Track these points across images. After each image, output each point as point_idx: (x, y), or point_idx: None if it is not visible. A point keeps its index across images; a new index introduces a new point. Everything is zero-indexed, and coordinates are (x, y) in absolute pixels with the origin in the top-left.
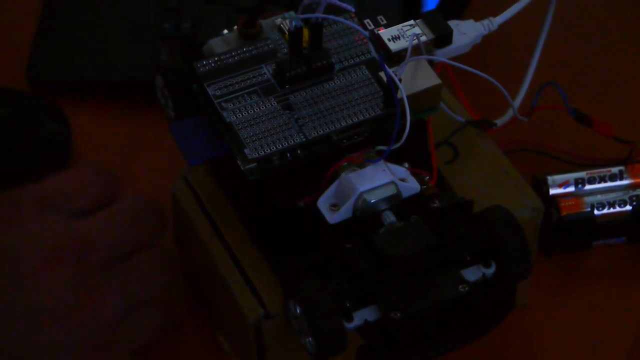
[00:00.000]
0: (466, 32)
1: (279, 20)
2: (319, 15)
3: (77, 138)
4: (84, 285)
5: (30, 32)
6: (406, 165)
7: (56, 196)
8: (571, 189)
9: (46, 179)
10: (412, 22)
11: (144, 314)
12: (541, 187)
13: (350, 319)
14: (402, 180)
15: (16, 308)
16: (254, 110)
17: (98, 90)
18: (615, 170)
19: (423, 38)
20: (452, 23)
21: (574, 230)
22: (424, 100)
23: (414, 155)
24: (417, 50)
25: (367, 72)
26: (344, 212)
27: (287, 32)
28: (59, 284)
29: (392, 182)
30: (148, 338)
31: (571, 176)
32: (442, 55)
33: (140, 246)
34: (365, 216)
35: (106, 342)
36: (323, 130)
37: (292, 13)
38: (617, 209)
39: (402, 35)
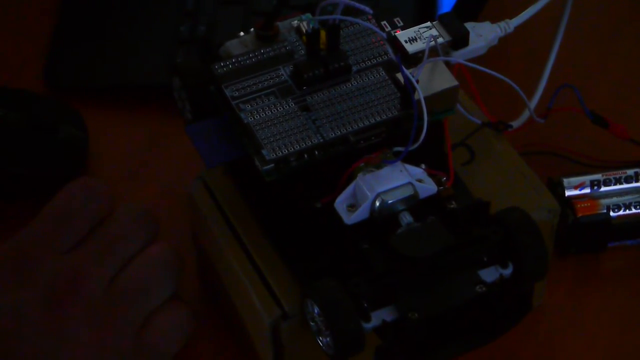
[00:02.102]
0: (482, 34)
1: (295, 22)
2: (337, 17)
3: (94, 141)
4: (94, 315)
5: (47, 35)
6: (423, 166)
7: (39, 238)
8: (587, 190)
9: (28, 225)
10: (428, 24)
11: (165, 319)
12: (557, 189)
13: (368, 319)
14: (419, 181)
15: None
16: (271, 112)
17: (115, 93)
18: (630, 172)
19: (440, 40)
20: (469, 25)
21: (589, 232)
22: (441, 102)
23: (430, 157)
24: (434, 52)
25: (384, 73)
26: (361, 212)
27: (304, 34)
28: (70, 327)
29: (410, 183)
30: (179, 340)
31: (587, 178)
32: (458, 57)
33: (139, 250)
34: (383, 217)
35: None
36: (340, 132)
37: (309, 15)
38: (633, 210)
39: (419, 37)
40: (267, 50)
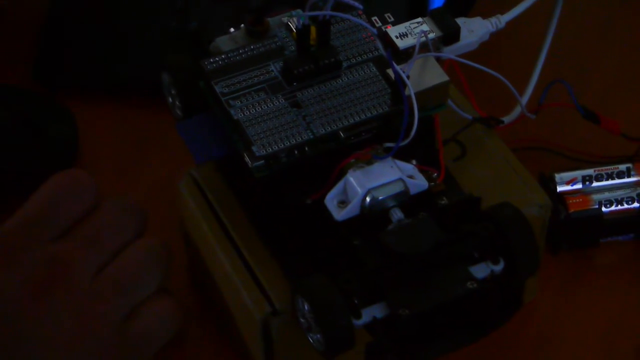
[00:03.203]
0: (474, 29)
1: (286, 18)
2: (327, 12)
3: (84, 139)
4: (77, 305)
5: (37, 32)
6: (414, 162)
7: (25, 228)
8: (579, 186)
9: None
10: (419, 19)
11: (151, 311)
12: (549, 185)
13: (358, 315)
14: (410, 177)
15: (19, 346)
16: (261, 108)
17: (105, 90)
18: (622, 167)
19: (431, 35)
20: (460, 20)
21: (581, 228)
22: (431, 98)
23: (421, 153)
24: (424, 47)
25: (374, 69)
26: (352, 209)
27: (294, 30)
28: (52, 312)
29: (400, 179)
30: (165, 333)
31: (579, 173)
32: (449, 52)
33: (127, 242)
34: (373, 213)
35: (119, 354)
36: (331, 128)
37: (300, 11)
38: (625, 206)
39: (409, 32)
40: (257, 46)
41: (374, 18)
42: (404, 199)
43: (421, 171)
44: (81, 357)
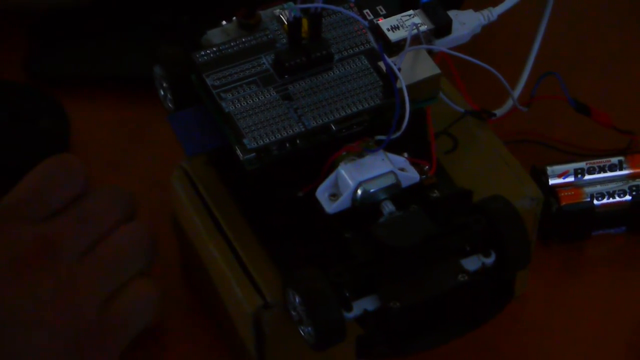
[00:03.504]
0: (465, 22)
1: (277, 11)
2: (318, 5)
3: (76, 132)
4: (58, 283)
5: (28, 24)
6: (405, 155)
7: (15, 206)
8: (571, 179)
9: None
10: (411, 12)
11: (131, 293)
12: (540, 178)
13: (349, 308)
14: (402, 169)
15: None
16: (252, 101)
17: (96, 82)
18: (614, 160)
19: (422, 28)
20: (452, 13)
21: (573, 221)
22: (423, 90)
23: (413, 145)
24: (416, 40)
25: (366, 62)
26: (343, 201)
27: (286, 23)
28: (32, 290)
29: (392, 172)
30: (144, 319)
31: (571, 166)
32: (441, 45)
33: (114, 226)
34: (365, 206)
35: (98, 333)
36: (322, 120)
37: (291, 3)
38: (617, 199)
39: (401, 25)
40: (249, 38)
41: (366, 11)
42: (396, 192)
43: (413, 164)
44: (61, 335)
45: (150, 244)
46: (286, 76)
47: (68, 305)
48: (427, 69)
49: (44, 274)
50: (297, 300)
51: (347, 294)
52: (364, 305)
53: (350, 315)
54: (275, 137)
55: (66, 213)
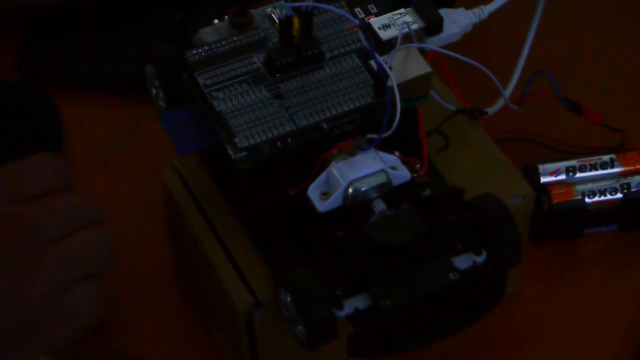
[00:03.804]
0: (457, 20)
1: (269, 9)
2: (310, 3)
3: (69, 130)
4: (14, 265)
5: (21, 23)
6: (397, 153)
7: None
8: (562, 177)
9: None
10: (402, 10)
11: (78, 292)
12: (532, 176)
13: (340, 307)
14: (393, 168)
15: None
16: (244, 99)
17: (89, 81)
18: (606, 158)
19: (414, 26)
20: (443, 11)
21: (565, 219)
22: (414, 89)
23: (404, 144)
24: (407, 38)
25: (357, 60)
26: (334, 200)
27: (277, 21)
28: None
29: (383, 170)
30: (86, 318)
31: (562, 164)
32: (432, 43)
33: (80, 228)
34: (356, 204)
35: (46, 320)
36: (313, 119)
37: (283, 2)
38: (608, 196)
39: (392, 23)
40: (241, 37)
41: (357, 9)
42: (387, 190)
43: (404, 162)
44: (13, 316)
45: (109, 251)
46: (277, 75)
47: (24, 285)
48: (419, 67)
49: (6, 252)
50: (288, 299)
51: (339, 293)
52: (355, 303)
53: (341, 313)
54: (266, 135)
55: (42, 201)
